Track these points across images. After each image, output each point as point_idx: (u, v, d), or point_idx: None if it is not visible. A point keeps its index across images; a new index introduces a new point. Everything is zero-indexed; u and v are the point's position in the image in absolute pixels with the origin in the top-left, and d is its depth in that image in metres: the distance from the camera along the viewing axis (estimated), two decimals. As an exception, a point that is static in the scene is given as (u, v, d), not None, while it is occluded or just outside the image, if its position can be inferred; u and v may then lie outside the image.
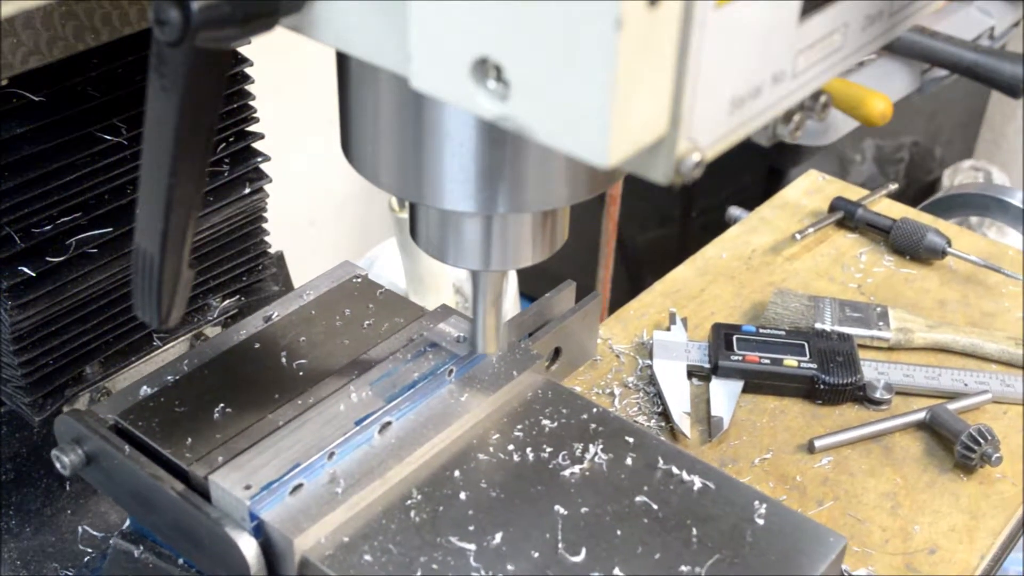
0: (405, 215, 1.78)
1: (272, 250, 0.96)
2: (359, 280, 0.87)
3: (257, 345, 0.81)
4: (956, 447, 0.88)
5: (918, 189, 2.37)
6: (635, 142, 0.43)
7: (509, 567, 0.66)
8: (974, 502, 0.86)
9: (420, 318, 0.83)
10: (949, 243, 1.10)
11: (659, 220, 2.13)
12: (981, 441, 0.87)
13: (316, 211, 2.01)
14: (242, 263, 0.92)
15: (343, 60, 0.59)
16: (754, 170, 1.90)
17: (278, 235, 0.98)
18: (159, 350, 0.88)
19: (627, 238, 2.09)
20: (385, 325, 0.82)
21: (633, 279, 2.16)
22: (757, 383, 0.94)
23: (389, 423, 0.73)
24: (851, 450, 0.90)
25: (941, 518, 0.85)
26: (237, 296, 0.93)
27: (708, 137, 0.46)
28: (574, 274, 0.96)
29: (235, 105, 0.85)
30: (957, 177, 2.44)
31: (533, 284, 1.96)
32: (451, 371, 0.77)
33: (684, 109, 0.43)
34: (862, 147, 2.07)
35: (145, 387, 0.76)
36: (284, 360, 0.79)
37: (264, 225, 0.93)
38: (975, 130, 2.57)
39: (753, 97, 0.47)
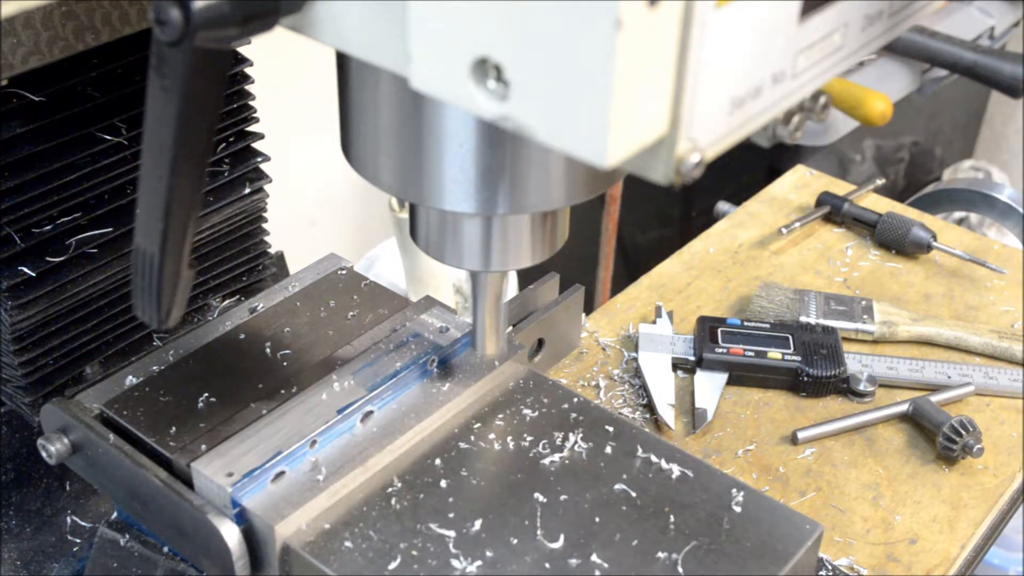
0: (405, 215, 1.78)
1: (272, 250, 0.96)
2: (344, 272, 0.88)
3: (242, 336, 0.81)
4: (938, 438, 0.89)
5: (918, 189, 2.37)
6: (635, 142, 0.43)
7: (488, 553, 0.67)
8: (955, 493, 0.87)
9: (403, 309, 0.83)
10: (934, 237, 1.11)
11: (659, 220, 2.13)
12: (963, 432, 0.88)
13: (316, 211, 2.01)
14: (242, 263, 0.92)
15: (343, 60, 0.59)
16: (754, 171, 1.90)
17: (278, 235, 0.98)
18: (159, 350, 0.89)
19: (627, 238, 2.09)
20: (369, 316, 0.83)
21: (633, 279, 2.14)
22: (741, 375, 0.95)
23: (371, 412, 0.74)
24: (834, 441, 0.91)
25: (922, 509, 0.85)
26: (237, 296, 0.93)
27: (708, 137, 0.46)
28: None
29: (235, 105, 0.85)
30: (957, 177, 2.44)
31: (533, 285, 1.95)
32: (433, 360, 0.77)
33: (684, 109, 0.43)
34: (862, 147, 2.07)
35: (130, 376, 0.77)
36: (268, 350, 0.80)
37: (264, 225, 0.93)
38: (975, 130, 2.56)
39: (753, 97, 0.47)
